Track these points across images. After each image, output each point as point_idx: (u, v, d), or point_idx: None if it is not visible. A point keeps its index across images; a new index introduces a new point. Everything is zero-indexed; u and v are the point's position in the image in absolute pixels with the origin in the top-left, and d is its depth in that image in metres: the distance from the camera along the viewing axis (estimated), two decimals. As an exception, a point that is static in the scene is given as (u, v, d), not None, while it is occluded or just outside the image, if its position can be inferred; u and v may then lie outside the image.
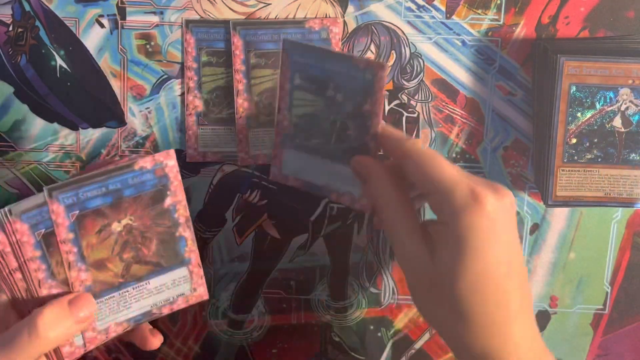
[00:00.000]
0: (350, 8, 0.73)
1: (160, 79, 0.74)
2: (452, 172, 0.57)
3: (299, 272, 0.78)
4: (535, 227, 0.76)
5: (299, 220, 0.76)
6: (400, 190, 0.60)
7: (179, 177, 0.63)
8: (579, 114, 0.68)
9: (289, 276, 0.78)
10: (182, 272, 0.65)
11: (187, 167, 0.76)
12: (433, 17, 0.73)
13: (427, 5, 0.73)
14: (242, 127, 0.74)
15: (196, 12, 0.73)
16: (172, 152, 0.62)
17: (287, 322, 0.79)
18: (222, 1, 0.72)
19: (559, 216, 0.76)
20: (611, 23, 0.73)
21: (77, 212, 0.61)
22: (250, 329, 0.79)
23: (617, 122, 0.68)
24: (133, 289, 0.64)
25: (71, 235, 0.61)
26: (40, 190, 0.74)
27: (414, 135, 0.75)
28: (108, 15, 0.73)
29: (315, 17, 0.73)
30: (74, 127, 0.75)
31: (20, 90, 0.74)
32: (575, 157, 0.68)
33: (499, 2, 0.73)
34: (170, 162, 0.62)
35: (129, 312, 0.64)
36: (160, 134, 0.75)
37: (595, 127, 0.68)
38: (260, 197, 0.76)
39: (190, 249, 0.65)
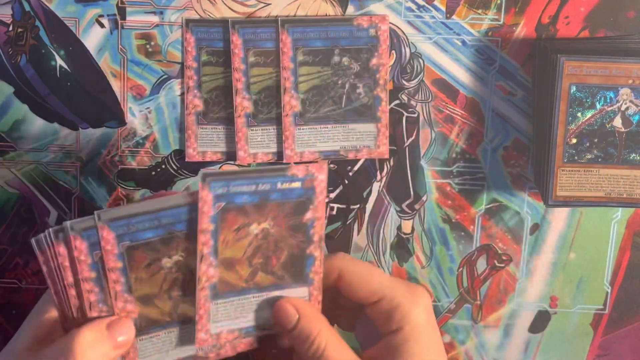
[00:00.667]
0: (350, 8, 0.72)
1: (160, 79, 0.74)
2: (387, 278, 0.61)
3: (299, 272, 0.77)
4: (535, 227, 0.76)
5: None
6: (333, 330, 0.62)
7: (325, 192, 0.61)
8: (579, 114, 0.67)
9: (289, 276, 0.77)
10: (303, 292, 0.63)
11: (187, 167, 0.75)
12: (433, 17, 0.73)
13: (427, 5, 0.73)
14: (241, 126, 0.73)
15: (196, 11, 0.72)
16: (325, 165, 0.60)
17: (287, 322, 0.78)
18: (222, 1, 0.72)
19: (559, 216, 0.76)
20: (611, 23, 0.72)
21: (128, 242, 0.57)
22: (250, 329, 0.78)
23: (618, 122, 0.67)
24: (253, 297, 0.62)
25: (119, 264, 0.58)
26: (41, 190, 0.74)
27: (414, 135, 0.74)
28: (108, 15, 0.73)
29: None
30: (74, 127, 0.74)
31: (20, 90, 0.73)
32: (576, 157, 0.68)
33: (499, 2, 0.72)
34: (321, 175, 0.60)
35: (244, 320, 0.62)
36: (160, 134, 0.74)
37: (596, 127, 0.68)
38: (260, 197, 0.75)
39: (317, 270, 0.62)
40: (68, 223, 0.56)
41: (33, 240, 0.56)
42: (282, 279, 0.61)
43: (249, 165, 0.74)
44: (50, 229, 0.56)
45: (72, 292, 0.57)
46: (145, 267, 0.59)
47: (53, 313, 0.59)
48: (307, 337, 0.59)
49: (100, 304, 0.58)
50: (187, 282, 0.59)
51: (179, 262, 0.59)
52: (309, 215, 0.60)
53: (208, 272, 0.59)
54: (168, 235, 0.58)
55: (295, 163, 0.63)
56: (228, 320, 0.61)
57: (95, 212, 0.56)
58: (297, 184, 0.59)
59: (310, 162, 0.60)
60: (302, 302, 0.61)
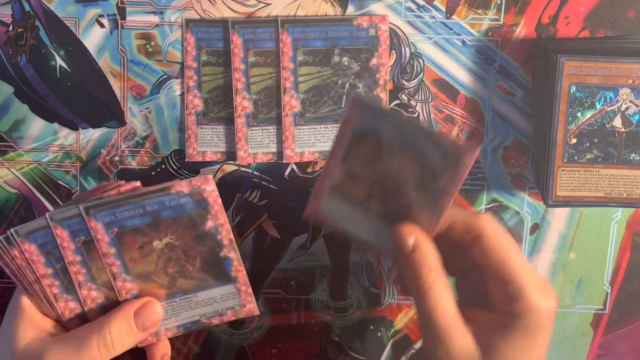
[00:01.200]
0: (351, 8, 0.72)
1: (160, 79, 0.73)
2: (529, 267, 0.57)
3: (299, 272, 0.77)
4: (535, 227, 0.75)
5: (299, 220, 0.75)
6: (443, 272, 0.57)
7: (219, 200, 0.62)
8: (579, 114, 0.67)
9: (289, 276, 0.77)
10: (229, 289, 0.65)
11: (187, 167, 0.75)
12: (433, 17, 0.72)
13: (427, 5, 0.72)
14: (241, 125, 0.73)
15: (196, 11, 0.72)
16: (210, 177, 0.61)
17: (287, 322, 0.78)
18: (222, 1, 0.72)
19: (559, 216, 0.75)
20: (611, 23, 0.72)
21: (116, 229, 0.61)
22: (250, 329, 0.78)
23: (617, 122, 0.67)
24: (181, 299, 0.65)
25: (112, 250, 0.62)
26: (41, 190, 0.74)
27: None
28: (108, 15, 0.72)
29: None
30: (74, 127, 0.74)
31: (20, 90, 0.73)
32: (576, 157, 0.67)
33: (499, 2, 0.72)
34: (209, 187, 0.61)
35: (178, 319, 0.65)
36: (160, 134, 0.74)
37: (596, 127, 0.67)
38: (260, 197, 0.75)
39: (237, 269, 0.64)
40: (47, 216, 0.61)
41: None
42: (204, 281, 0.64)
43: (245, 166, 0.74)
44: (1, 237, 0.62)
45: (36, 287, 0.62)
46: (138, 248, 0.63)
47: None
48: (419, 270, 0.56)
49: (89, 283, 0.63)
50: (181, 260, 0.63)
51: (170, 243, 0.63)
52: (210, 224, 0.63)
53: (125, 286, 0.63)
54: (155, 220, 0.62)
55: (183, 179, 0.64)
56: (164, 320, 0.65)
57: (81, 205, 0.60)
58: (186, 199, 0.61)
59: (193, 176, 0.63)
60: (421, 233, 0.57)
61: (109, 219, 0.61)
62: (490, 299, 0.57)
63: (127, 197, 0.61)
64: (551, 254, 0.76)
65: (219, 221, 0.62)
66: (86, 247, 0.62)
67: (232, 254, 0.64)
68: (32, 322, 0.62)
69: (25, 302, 0.63)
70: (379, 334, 0.78)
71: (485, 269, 0.57)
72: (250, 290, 0.65)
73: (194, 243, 0.63)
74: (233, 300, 0.65)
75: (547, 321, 0.56)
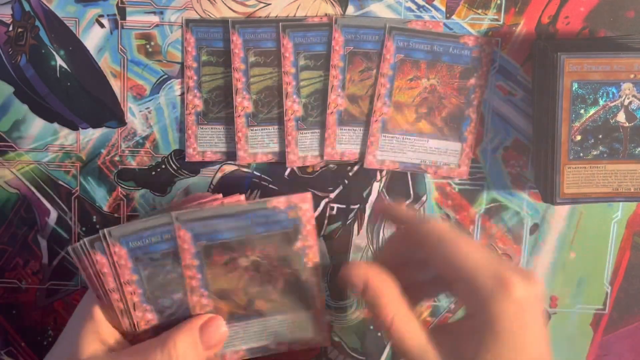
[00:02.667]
0: (350, 8, 0.71)
1: (160, 79, 0.72)
2: (476, 257, 0.52)
3: (299, 272, 0.76)
4: (535, 227, 0.74)
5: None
6: (404, 300, 0.55)
7: (314, 221, 0.59)
8: (582, 111, 0.66)
9: (289, 276, 0.76)
10: (305, 316, 0.62)
11: (187, 167, 0.73)
12: (433, 17, 0.71)
13: (427, 5, 0.71)
14: (241, 125, 0.72)
15: (196, 11, 0.71)
16: (308, 195, 0.59)
17: (287, 322, 0.76)
18: (222, 1, 0.71)
19: (559, 216, 0.74)
20: (611, 23, 0.71)
21: (204, 242, 0.59)
22: (250, 329, 0.76)
23: (621, 117, 0.66)
24: (256, 322, 0.62)
25: (196, 262, 0.59)
26: (41, 190, 0.73)
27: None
28: (108, 15, 0.71)
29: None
30: (74, 127, 0.73)
31: (20, 90, 0.72)
32: (581, 154, 0.66)
33: (499, 2, 0.71)
34: (305, 205, 0.59)
35: (248, 342, 0.63)
36: (160, 134, 0.73)
37: (600, 123, 0.66)
38: (260, 197, 0.74)
39: (315, 295, 0.62)
40: (105, 231, 0.58)
41: (70, 249, 0.58)
42: (282, 305, 0.62)
43: (245, 166, 0.72)
44: (86, 239, 0.58)
45: (115, 295, 0.59)
46: (224, 264, 0.60)
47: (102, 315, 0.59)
48: (375, 308, 0.54)
49: (145, 304, 0.60)
50: (264, 280, 0.61)
51: (256, 261, 0.60)
52: (298, 244, 0.60)
53: (201, 301, 0.60)
54: (246, 236, 0.59)
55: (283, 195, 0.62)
56: (232, 342, 0.62)
57: (172, 213, 0.58)
58: (281, 216, 0.59)
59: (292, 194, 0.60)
60: (370, 269, 0.56)
61: (199, 230, 0.58)
62: (462, 301, 0.54)
63: (221, 209, 0.59)
64: (551, 254, 0.75)
65: (308, 243, 0.60)
66: (205, 251, 0.59)
67: (314, 279, 0.61)
68: (98, 333, 0.58)
69: (97, 311, 0.59)
70: (379, 334, 0.77)
71: (441, 275, 0.55)
72: (325, 319, 0.62)
73: (279, 263, 0.60)
74: (307, 329, 0.63)
75: (514, 315, 0.50)
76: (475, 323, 0.51)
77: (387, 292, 0.55)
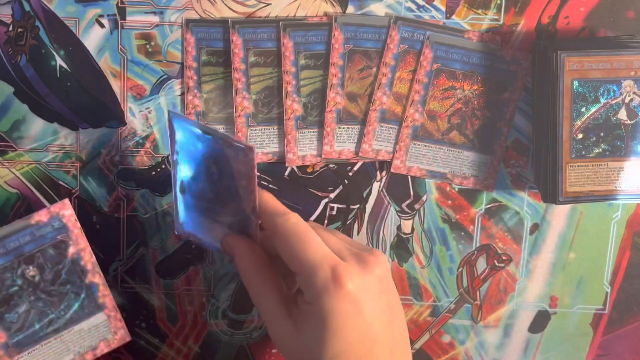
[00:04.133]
0: (350, 8, 0.70)
1: (160, 79, 0.71)
2: (314, 251, 0.56)
3: (299, 272, 0.75)
4: (535, 227, 0.74)
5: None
6: (264, 269, 0.60)
7: (78, 224, 0.61)
8: (583, 109, 0.65)
9: (289, 276, 0.75)
10: (99, 317, 0.63)
11: (187, 167, 0.72)
12: (433, 17, 0.70)
13: (427, 5, 0.70)
14: (241, 125, 0.71)
15: (196, 12, 0.70)
16: (66, 201, 0.61)
17: (287, 322, 0.76)
18: (222, 1, 0.70)
19: (559, 216, 0.73)
20: (611, 23, 0.70)
21: None
22: (250, 329, 0.76)
23: (623, 114, 0.66)
24: (55, 339, 0.62)
25: None
26: (41, 190, 0.72)
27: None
28: (108, 15, 0.70)
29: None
30: (74, 127, 0.72)
31: (20, 90, 0.71)
32: (583, 152, 0.66)
33: (498, 2, 0.70)
34: (66, 212, 0.60)
35: None
36: (160, 134, 0.72)
37: (601, 121, 0.66)
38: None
39: (104, 294, 0.63)
40: None
41: None
42: (72, 318, 0.63)
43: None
44: None
45: None
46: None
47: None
48: (240, 272, 0.61)
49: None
50: (46, 301, 0.62)
51: (31, 281, 0.61)
52: (71, 250, 0.62)
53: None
54: (18, 256, 0.60)
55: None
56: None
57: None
58: (47, 229, 0.61)
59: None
60: (238, 240, 0.62)
61: None
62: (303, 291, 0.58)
63: None
64: (551, 254, 0.74)
65: (80, 246, 0.61)
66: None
67: (97, 279, 0.62)
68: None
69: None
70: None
71: (289, 266, 0.58)
72: (119, 315, 0.64)
73: (55, 277, 0.61)
74: (104, 330, 0.64)
75: (346, 310, 0.54)
76: (314, 312, 0.55)
77: (249, 262, 0.60)
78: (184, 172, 0.63)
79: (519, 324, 0.76)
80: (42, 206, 0.72)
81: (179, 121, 0.61)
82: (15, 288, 0.60)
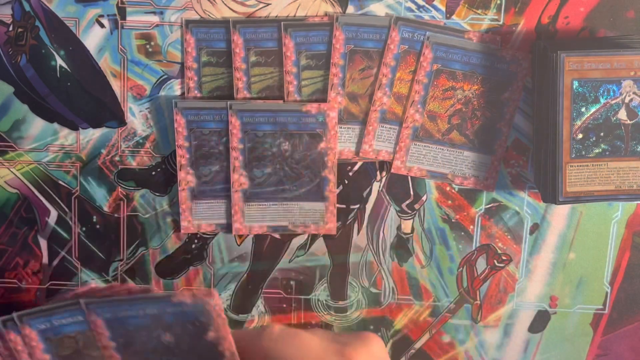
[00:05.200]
0: (350, 8, 0.70)
1: (160, 79, 0.71)
2: (314, 344, 0.54)
3: (299, 272, 0.75)
4: (535, 227, 0.73)
5: (299, 220, 0.73)
6: None
7: (223, 314, 0.55)
8: (583, 109, 0.65)
9: (289, 276, 0.75)
10: None
11: (187, 167, 0.72)
12: (433, 17, 0.70)
13: (427, 6, 0.70)
14: (241, 125, 0.71)
15: (196, 12, 0.70)
16: (215, 292, 0.55)
17: (287, 322, 0.76)
18: (222, 1, 0.70)
19: (559, 216, 0.73)
20: (611, 23, 0.70)
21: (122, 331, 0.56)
22: (250, 328, 0.75)
23: (623, 114, 0.65)
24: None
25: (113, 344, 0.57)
26: (41, 190, 0.72)
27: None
28: (108, 15, 0.70)
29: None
30: (74, 127, 0.72)
31: (20, 90, 0.71)
32: (583, 152, 0.66)
33: (498, 2, 0.70)
34: (211, 300, 0.55)
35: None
36: (160, 134, 0.72)
37: (601, 121, 0.65)
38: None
39: None
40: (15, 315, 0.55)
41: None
42: None
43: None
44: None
45: None
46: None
47: None
48: None
49: None
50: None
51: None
52: (211, 335, 0.56)
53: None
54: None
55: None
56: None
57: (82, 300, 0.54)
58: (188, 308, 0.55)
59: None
60: None
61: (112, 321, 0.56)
62: None
63: (130, 299, 0.55)
64: (551, 254, 0.74)
65: (221, 334, 0.56)
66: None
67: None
68: None
69: None
70: (379, 334, 0.76)
71: None
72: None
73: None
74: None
75: None
76: None
77: None
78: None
79: (519, 323, 0.76)
80: (43, 206, 0.72)
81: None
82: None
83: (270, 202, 0.68)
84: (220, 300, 0.55)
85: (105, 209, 0.73)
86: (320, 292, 0.75)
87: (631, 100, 0.65)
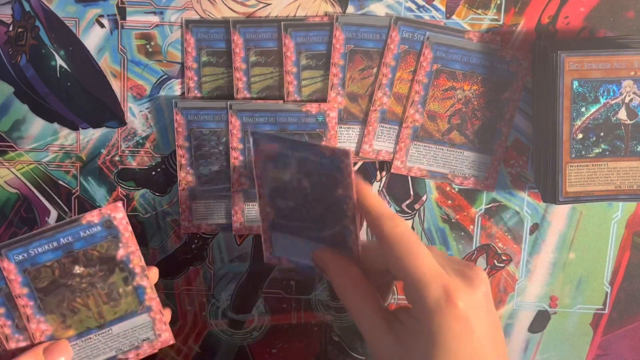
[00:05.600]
0: (350, 8, 0.70)
1: (160, 79, 0.71)
2: (426, 266, 0.54)
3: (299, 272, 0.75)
4: (535, 227, 0.73)
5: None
6: (362, 284, 0.58)
7: (129, 228, 0.61)
8: (583, 109, 0.65)
9: (289, 276, 0.75)
10: (144, 318, 0.64)
11: (187, 167, 0.72)
12: (433, 17, 0.70)
13: (427, 6, 0.70)
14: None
15: (196, 12, 0.70)
16: (119, 205, 0.61)
17: (287, 322, 0.76)
18: (222, 1, 0.70)
19: (559, 216, 0.73)
20: (611, 23, 0.70)
21: (29, 266, 0.60)
22: (250, 329, 0.76)
23: (622, 114, 0.65)
24: (96, 335, 0.63)
25: (25, 290, 0.61)
26: (41, 190, 0.72)
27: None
28: (108, 15, 0.70)
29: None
30: (74, 127, 0.72)
31: (20, 90, 0.71)
32: (583, 152, 0.66)
33: (498, 2, 0.70)
34: (118, 214, 0.61)
35: (94, 356, 0.64)
36: (160, 134, 0.72)
37: (601, 121, 0.65)
38: (260, 197, 0.73)
39: (150, 297, 0.63)
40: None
41: None
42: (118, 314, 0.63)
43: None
44: None
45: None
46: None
47: None
48: (335, 288, 0.59)
49: (17, 334, 0.61)
50: (94, 293, 0.62)
51: (80, 275, 0.62)
52: (121, 252, 0.62)
53: (40, 327, 0.61)
54: (67, 253, 0.61)
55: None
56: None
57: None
58: (97, 228, 0.61)
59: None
60: (331, 255, 0.60)
61: (21, 257, 0.60)
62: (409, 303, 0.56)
63: (39, 232, 0.60)
64: (551, 254, 0.74)
65: (130, 249, 0.62)
66: (32, 276, 0.61)
67: (145, 282, 0.62)
68: None
69: None
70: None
71: (394, 274, 0.56)
72: (164, 319, 0.64)
73: (105, 274, 0.62)
74: (148, 331, 0.64)
75: (459, 329, 0.53)
76: (422, 329, 0.53)
77: (344, 277, 0.58)
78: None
79: (519, 324, 0.75)
80: (43, 206, 0.72)
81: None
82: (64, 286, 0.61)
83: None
84: (352, 161, 0.57)
85: (105, 209, 0.73)
86: (320, 292, 0.75)
87: (631, 100, 0.65)
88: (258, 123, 0.70)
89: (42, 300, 0.61)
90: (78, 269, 0.61)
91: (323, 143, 0.67)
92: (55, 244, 0.60)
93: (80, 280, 0.61)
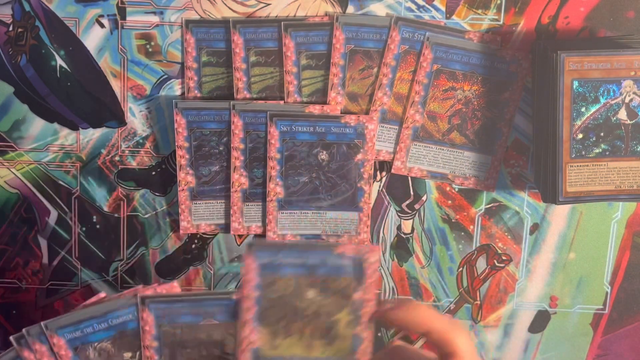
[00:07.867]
0: (350, 8, 0.70)
1: (160, 79, 0.71)
2: (440, 319, 0.54)
3: (299, 272, 0.75)
4: (535, 227, 0.73)
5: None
6: None
7: (377, 275, 0.57)
8: (583, 109, 0.65)
9: (289, 276, 0.75)
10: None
11: (187, 167, 0.72)
12: (433, 17, 0.70)
13: (427, 5, 0.70)
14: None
15: (196, 12, 0.70)
16: (377, 248, 0.60)
17: (287, 322, 0.75)
18: (222, 1, 0.70)
19: (559, 216, 0.73)
20: (611, 23, 0.70)
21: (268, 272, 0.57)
22: (250, 329, 0.75)
23: (623, 114, 0.65)
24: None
25: (155, 344, 0.62)
26: (41, 190, 0.72)
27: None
28: (108, 15, 0.70)
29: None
30: (74, 127, 0.72)
31: (20, 90, 0.71)
32: (583, 152, 0.66)
33: (498, 2, 0.70)
34: (372, 257, 0.56)
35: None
36: (160, 134, 0.72)
37: (601, 121, 0.65)
38: (260, 197, 0.73)
39: (363, 352, 0.57)
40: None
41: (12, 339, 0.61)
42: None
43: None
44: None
45: None
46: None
47: None
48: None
49: None
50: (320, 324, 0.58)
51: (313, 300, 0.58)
52: (358, 295, 0.56)
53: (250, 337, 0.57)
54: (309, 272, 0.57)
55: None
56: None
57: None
58: (347, 262, 0.56)
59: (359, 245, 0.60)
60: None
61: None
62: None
63: (295, 244, 0.60)
64: (551, 254, 0.74)
65: (368, 296, 0.56)
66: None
67: (365, 335, 0.57)
68: None
69: None
70: (379, 334, 0.76)
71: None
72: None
73: (333, 310, 0.57)
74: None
75: (468, 349, 0.53)
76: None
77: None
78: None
79: (519, 324, 0.76)
80: (43, 206, 0.73)
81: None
82: None
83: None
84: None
85: (105, 209, 0.73)
86: (321, 292, 0.75)
87: (631, 100, 0.65)
88: (262, 123, 0.70)
89: (265, 309, 0.57)
90: (311, 294, 0.57)
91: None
92: (300, 260, 0.56)
93: (308, 306, 0.57)
